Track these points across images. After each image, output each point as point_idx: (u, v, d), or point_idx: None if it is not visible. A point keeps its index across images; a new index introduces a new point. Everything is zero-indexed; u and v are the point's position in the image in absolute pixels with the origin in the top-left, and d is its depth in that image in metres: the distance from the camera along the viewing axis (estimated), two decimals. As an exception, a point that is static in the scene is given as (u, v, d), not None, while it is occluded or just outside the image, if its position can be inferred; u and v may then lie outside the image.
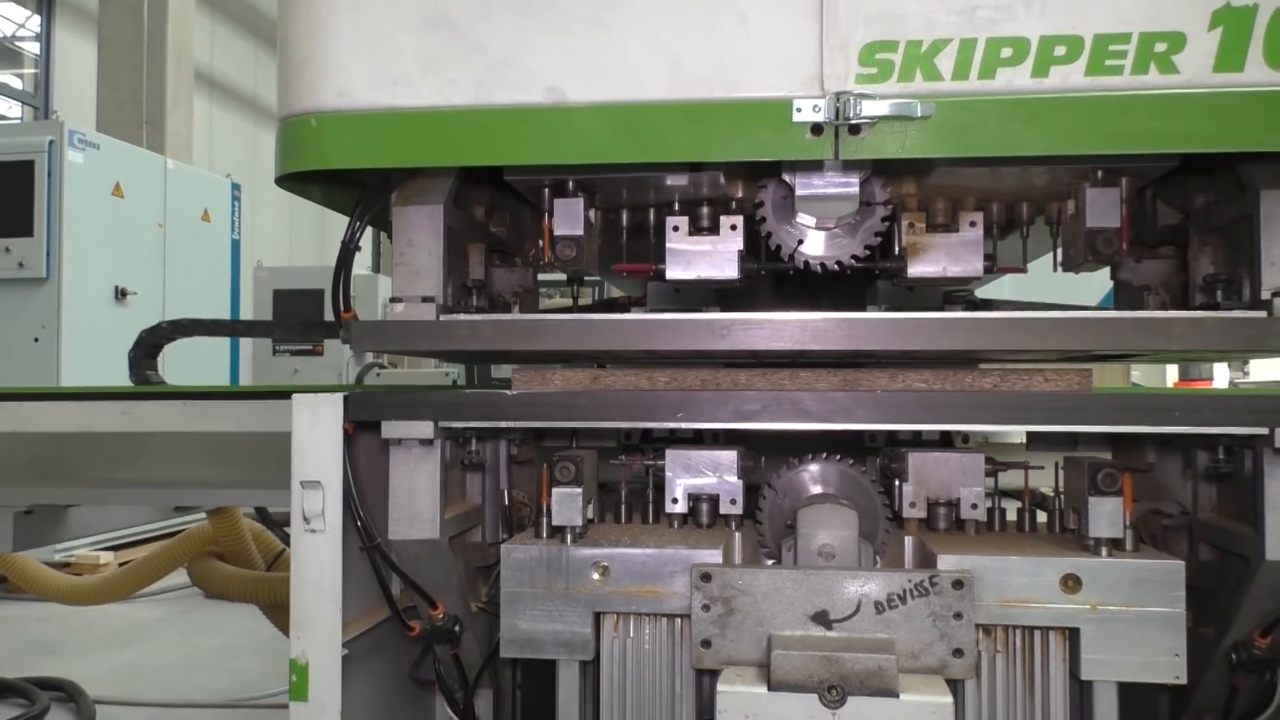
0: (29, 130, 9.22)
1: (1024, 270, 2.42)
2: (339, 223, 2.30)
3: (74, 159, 7.64)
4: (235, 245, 9.73)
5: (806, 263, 2.24)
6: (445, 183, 2.20)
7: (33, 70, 14.90)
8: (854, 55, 1.93)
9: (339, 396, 2.08)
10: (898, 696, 1.89)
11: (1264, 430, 1.94)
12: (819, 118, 1.92)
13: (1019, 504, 2.35)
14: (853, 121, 1.91)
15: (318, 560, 2.07)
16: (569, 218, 2.22)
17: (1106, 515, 2.04)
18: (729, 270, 2.27)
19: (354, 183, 2.28)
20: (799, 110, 1.93)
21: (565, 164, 2.10)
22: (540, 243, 2.26)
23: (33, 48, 14.94)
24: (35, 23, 14.86)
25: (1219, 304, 2.09)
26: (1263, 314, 1.95)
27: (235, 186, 9.74)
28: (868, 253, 2.24)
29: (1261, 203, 1.98)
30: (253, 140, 18.30)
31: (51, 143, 7.51)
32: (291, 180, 2.21)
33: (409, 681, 2.42)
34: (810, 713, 1.90)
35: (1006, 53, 1.89)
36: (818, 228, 2.21)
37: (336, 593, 2.07)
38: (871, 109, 1.91)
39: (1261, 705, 2.10)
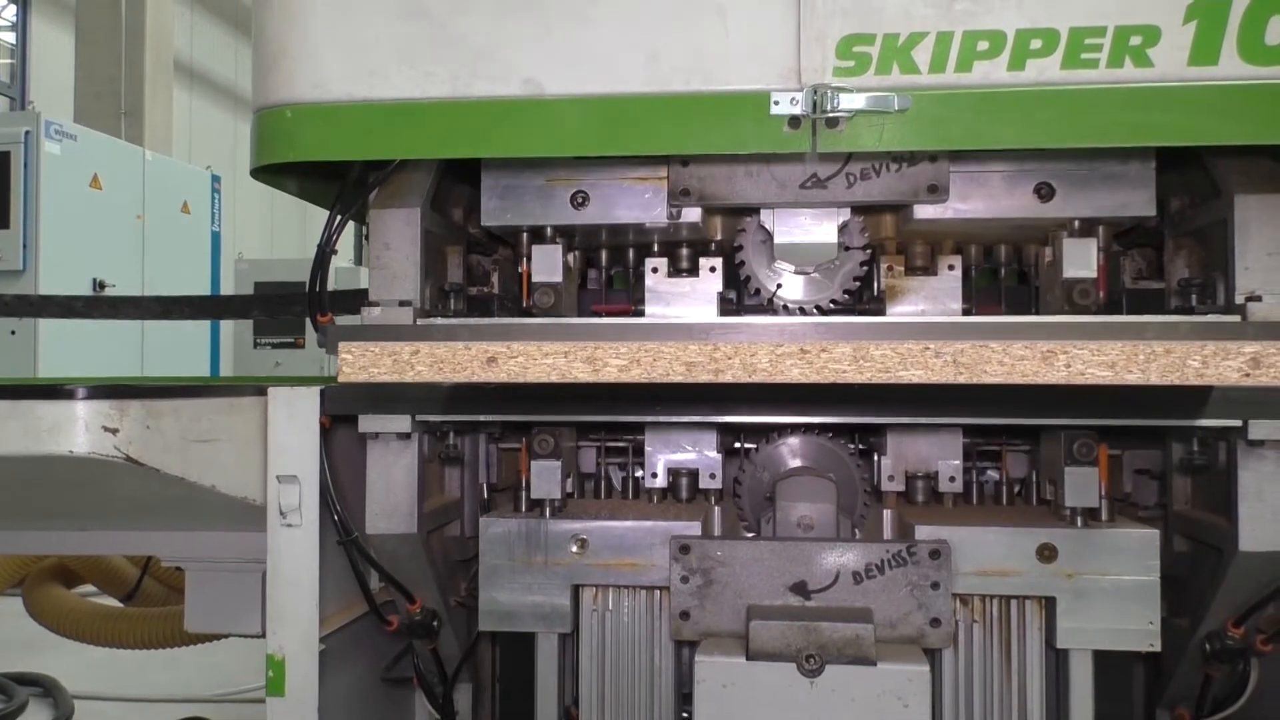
0: (5, 121, 9.14)
1: (1001, 311, 2.43)
2: (320, 214, 2.28)
3: (51, 150, 7.57)
4: (215, 237, 9.68)
5: (785, 306, 2.25)
6: (423, 183, 2.19)
7: (8, 60, 14.75)
8: (831, 48, 1.92)
9: (315, 390, 2.07)
10: (875, 665, 1.92)
11: (1237, 422, 1.96)
12: (797, 110, 1.92)
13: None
14: (830, 114, 1.91)
15: (294, 555, 2.06)
16: (547, 264, 2.23)
17: (1082, 485, 2.07)
18: (708, 311, 2.29)
19: (331, 175, 2.26)
20: (777, 103, 1.92)
21: (542, 156, 2.10)
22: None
23: (8, 37, 14.78)
24: (11, 12, 14.70)
25: (1193, 308, 2.11)
26: (1236, 318, 1.96)
27: (215, 178, 9.68)
28: (847, 296, 2.25)
29: (1236, 207, 1.98)
30: (233, 131, 18.16)
31: (28, 134, 7.45)
32: (267, 172, 2.20)
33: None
34: (788, 681, 1.92)
35: (983, 46, 1.89)
36: (797, 272, 2.22)
37: (313, 588, 2.06)
38: (849, 102, 1.90)
39: (1235, 695, 2.12)
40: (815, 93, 1.91)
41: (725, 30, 1.95)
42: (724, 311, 2.33)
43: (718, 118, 1.95)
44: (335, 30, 2.05)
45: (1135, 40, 1.86)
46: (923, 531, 2.07)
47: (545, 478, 2.18)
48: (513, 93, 2.00)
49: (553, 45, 1.99)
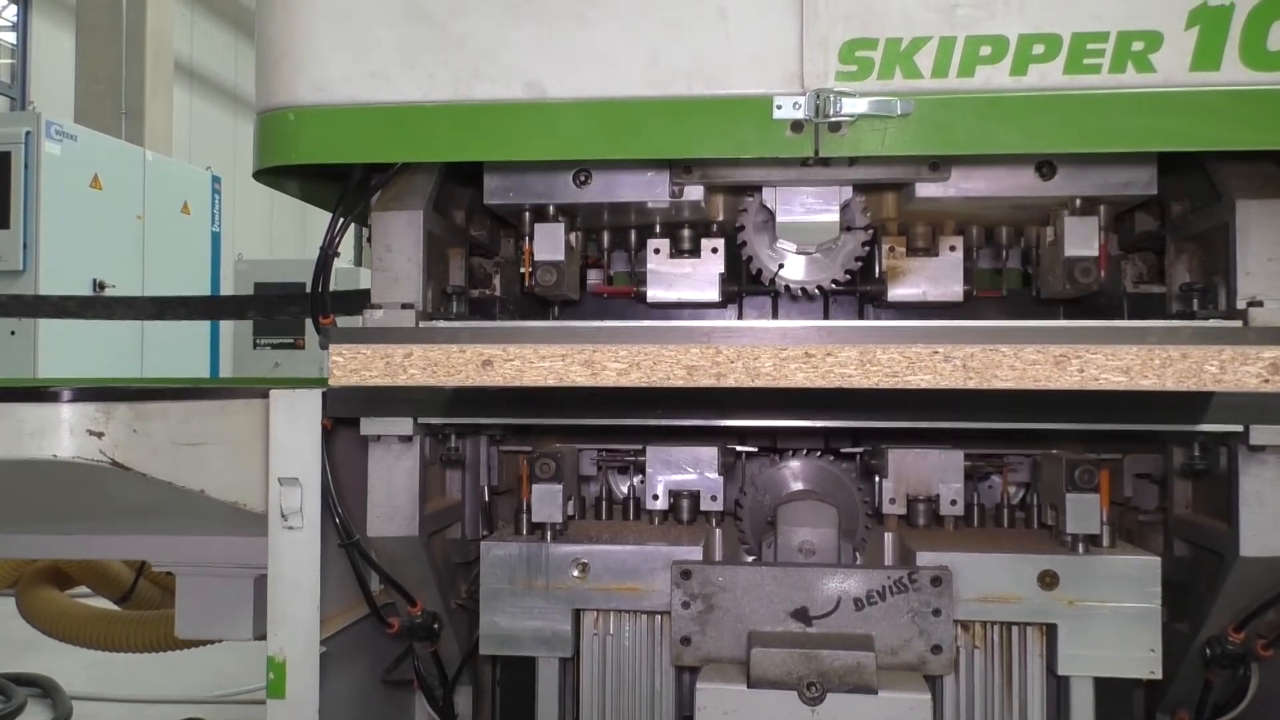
0: (5, 121, 9.14)
1: (1002, 294, 2.42)
2: (321, 215, 2.28)
3: (51, 150, 7.57)
4: (215, 238, 9.68)
5: (787, 286, 2.24)
6: (425, 185, 2.18)
7: (9, 60, 14.74)
8: (834, 52, 1.92)
9: (317, 392, 2.07)
10: (876, 693, 1.91)
11: (1239, 428, 1.95)
12: (799, 115, 1.92)
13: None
14: (833, 119, 1.91)
15: (295, 557, 2.06)
16: (550, 243, 2.22)
17: (1084, 512, 2.06)
18: (710, 292, 2.28)
19: (332, 177, 2.26)
20: (779, 107, 1.93)
21: (544, 160, 2.10)
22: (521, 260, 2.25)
23: (9, 37, 14.78)
24: (11, 12, 14.69)
25: (1194, 313, 2.11)
26: (1238, 323, 1.96)
27: (215, 179, 9.69)
28: (848, 277, 2.25)
29: (1237, 212, 1.98)
30: (233, 132, 18.16)
31: (28, 134, 7.45)
32: (269, 175, 2.20)
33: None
34: (789, 709, 1.91)
35: (985, 51, 1.90)
36: (798, 252, 2.22)
37: (314, 590, 2.06)
38: (851, 106, 1.91)
39: (1235, 700, 2.12)
40: (818, 97, 1.91)
41: (727, 34, 1.95)
42: (725, 295, 2.32)
43: (720, 121, 1.95)
44: (337, 33, 2.06)
45: (1137, 45, 1.86)
46: (924, 558, 2.06)
47: (546, 501, 2.17)
48: (515, 95, 2.00)
49: (555, 48, 1.99)
